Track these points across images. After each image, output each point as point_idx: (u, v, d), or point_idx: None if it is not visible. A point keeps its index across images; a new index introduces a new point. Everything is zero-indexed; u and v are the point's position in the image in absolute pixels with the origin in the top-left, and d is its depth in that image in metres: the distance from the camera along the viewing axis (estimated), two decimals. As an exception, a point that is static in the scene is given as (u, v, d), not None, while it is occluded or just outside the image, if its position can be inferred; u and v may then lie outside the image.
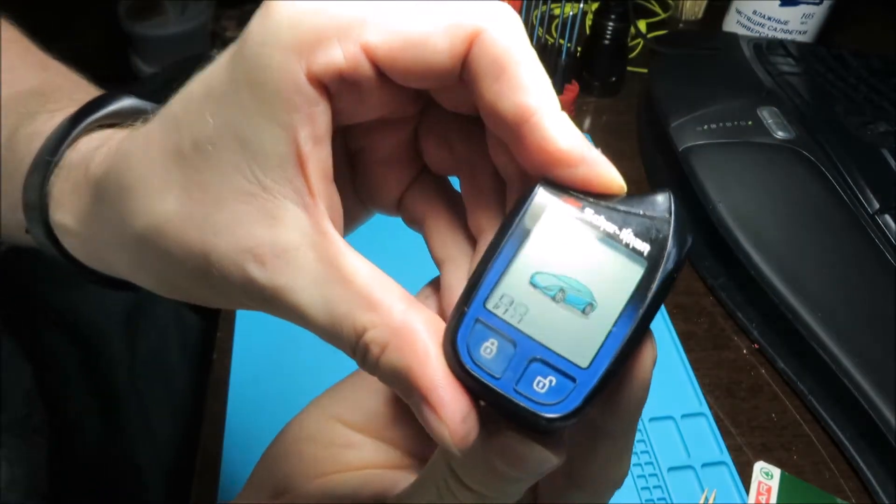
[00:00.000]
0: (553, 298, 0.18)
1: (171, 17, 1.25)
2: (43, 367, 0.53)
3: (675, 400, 0.47)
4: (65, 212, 0.27)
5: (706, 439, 0.45)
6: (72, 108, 0.28)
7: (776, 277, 0.48)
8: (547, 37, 0.64)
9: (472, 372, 0.18)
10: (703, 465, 0.43)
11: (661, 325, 0.51)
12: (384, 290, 0.19)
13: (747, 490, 0.42)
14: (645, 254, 0.18)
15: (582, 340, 0.18)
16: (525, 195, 0.19)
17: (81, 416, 0.55)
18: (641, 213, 0.18)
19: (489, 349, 0.18)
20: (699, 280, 0.56)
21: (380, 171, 0.23)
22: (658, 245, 0.18)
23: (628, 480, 0.42)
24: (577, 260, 0.18)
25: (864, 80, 0.64)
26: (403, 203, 0.24)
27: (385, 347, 0.18)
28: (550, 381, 0.18)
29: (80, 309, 0.57)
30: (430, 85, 0.20)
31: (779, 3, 0.74)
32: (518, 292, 0.18)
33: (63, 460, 0.52)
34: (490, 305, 0.18)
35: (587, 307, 0.18)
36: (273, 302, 0.19)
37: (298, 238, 0.19)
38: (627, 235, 0.18)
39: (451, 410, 0.17)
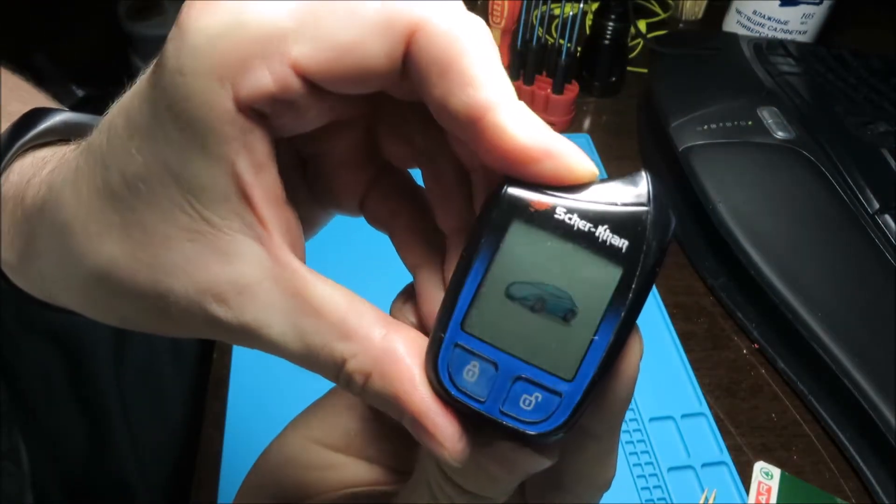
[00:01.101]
0: (532, 309, 0.17)
1: (171, 17, 1.24)
2: (24, 381, 0.52)
3: (675, 400, 0.47)
4: (6, 248, 0.24)
5: (706, 439, 0.45)
6: (5, 123, 0.26)
7: (776, 277, 0.48)
8: (547, 37, 0.64)
9: (457, 398, 0.17)
10: (703, 465, 0.43)
11: (661, 325, 0.51)
12: (359, 316, 0.18)
13: (747, 490, 0.42)
14: (623, 250, 0.17)
15: (564, 351, 0.17)
16: (491, 199, 0.17)
17: (66, 431, 0.53)
18: (617, 203, 0.17)
19: (471, 372, 0.17)
20: (699, 280, 0.56)
21: (337, 174, 0.22)
22: (637, 239, 0.17)
23: (628, 480, 0.42)
24: (553, 265, 0.17)
25: (864, 80, 0.64)
26: (366, 204, 0.22)
27: (369, 376, 0.17)
28: (536, 398, 0.17)
29: (64, 319, 0.56)
30: (371, 89, 0.18)
31: (779, 3, 0.74)
32: (495, 308, 0.17)
33: (47, 479, 0.50)
34: (467, 327, 0.17)
35: (568, 314, 0.17)
36: (243, 338, 0.18)
37: (258, 272, 0.17)
38: (604, 233, 0.17)
39: (446, 432, 0.17)
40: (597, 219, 0.17)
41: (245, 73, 0.16)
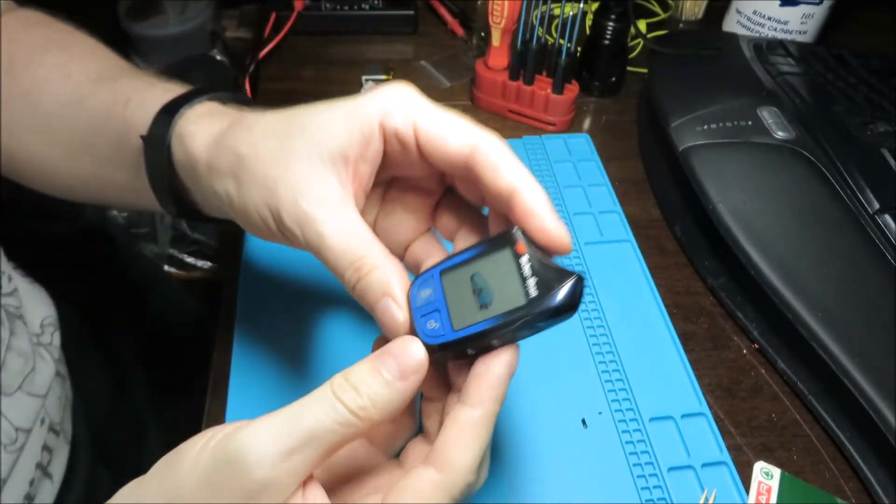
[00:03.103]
0: (473, 290, 0.29)
1: (171, 17, 1.24)
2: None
3: (675, 400, 0.47)
4: (196, 126, 0.36)
5: (706, 439, 0.45)
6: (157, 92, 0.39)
7: (776, 277, 0.48)
8: (547, 37, 0.64)
9: (409, 298, 0.29)
10: (703, 465, 0.43)
11: (661, 325, 0.51)
12: (378, 243, 0.30)
13: (747, 490, 0.42)
14: (532, 297, 0.27)
15: (467, 317, 0.28)
16: (503, 230, 0.30)
17: (93, 378, 0.59)
18: (552, 278, 0.27)
19: (425, 292, 0.30)
20: (699, 280, 0.56)
21: (402, 217, 0.35)
22: (539, 299, 0.27)
23: (628, 480, 0.42)
24: (501, 278, 0.28)
25: (864, 80, 0.64)
26: (409, 251, 0.36)
27: (374, 269, 0.29)
28: (434, 326, 0.28)
29: (87, 289, 0.65)
30: (443, 166, 0.31)
31: (779, 3, 0.74)
32: (459, 277, 0.29)
33: (77, 418, 0.55)
34: (442, 274, 0.30)
35: (485, 305, 0.28)
36: (306, 226, 0.30)
37: (335, 196, 0.30)
38: (532, 282, 0.27)
39: (406, 307, 0.29)
40: (536, 273, 0.28)
41: (392, 114, 0.31)
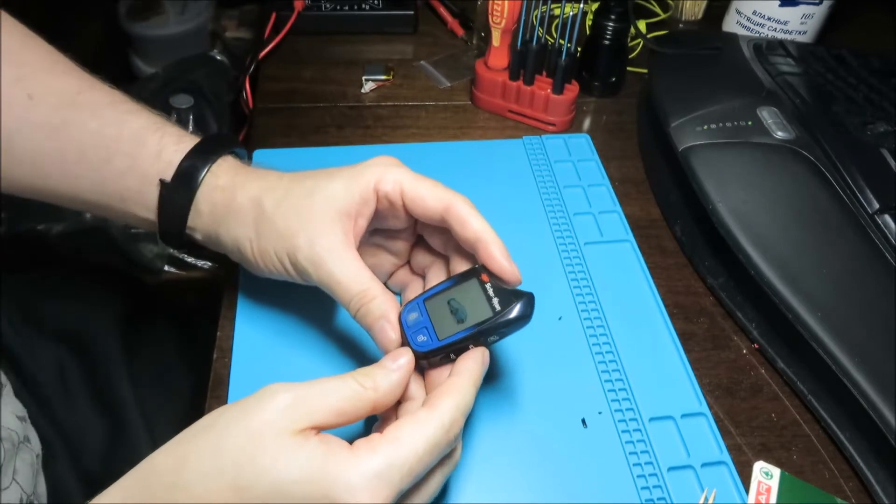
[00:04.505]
0: (451, 310, 0.37)
1: (171, 17, 1.24)
2: (40, 379, 0.53)
3: (675, 400, 0.47)
4: (223, 180, 0.43)
5: (706, 439, 0.45)
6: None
7: (776, 277, 0.48)
8: (547, 37, 0.64)
9: (401, 322, 0.38)
10: (703, 465, 0.43)
11: (661, 325, 0.51)
12: (376, 280, 0.39)
13: (747, 490, 0.42)
14: (497, 310, 0.36)
15: (448, 329, 0.36)
16: (470, 267, 0.39)
17: (84, 426, 0.55)
18: (511, 295, 0.36)
19: (413, 316, 0.38)
20: (699, 280, 0.56)
21: (385, 257, 0.46)
22: (500, 312, 0.36)
23: (628, 480, 0.42)
24: (472, 300, 0.37)
25: (864, 80, 0.64)
26: (393, 276, 0.48)
27: (374, 299, 0.38)
28: (423, 339, 0.37)
29: (72, 318, 0.58)
30: (424, 218, 0.40)
31: (779, 3, 0.74)
32: (440, 302, 0.38)
33: (66, 472, 0.52)
34: (426, 301, 0.38)
35: (461, 320, 0.36)
36: (320, 266, 0.38)
37: (342, 243, 0.39)
38: (496, 300, 0.36)
39: (396, 326, 0.38)
40: (498, 294, 0.37)
41: (384, 181, 0.40)
